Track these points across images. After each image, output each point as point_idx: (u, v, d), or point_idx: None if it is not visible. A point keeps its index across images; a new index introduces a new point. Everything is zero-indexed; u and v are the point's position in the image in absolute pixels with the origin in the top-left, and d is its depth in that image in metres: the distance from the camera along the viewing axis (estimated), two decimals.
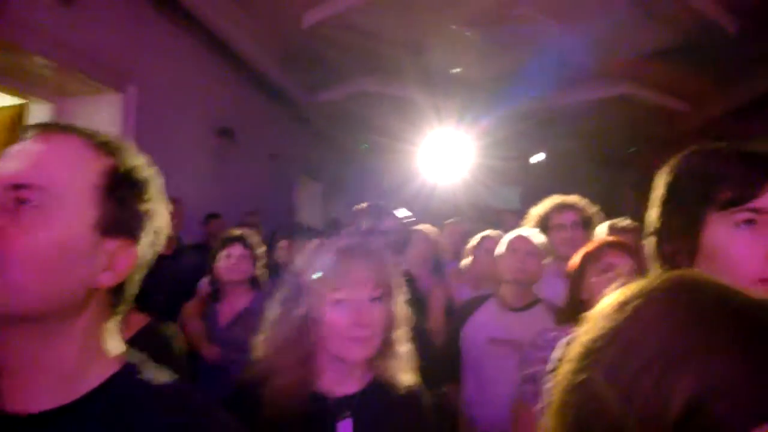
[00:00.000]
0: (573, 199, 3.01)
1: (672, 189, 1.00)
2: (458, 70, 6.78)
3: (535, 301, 2.50)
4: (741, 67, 6.20)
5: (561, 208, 2.94)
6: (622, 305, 0.59)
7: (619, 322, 0.57)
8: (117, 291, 0.84)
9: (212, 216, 5.70)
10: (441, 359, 2.60)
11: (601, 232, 3.19)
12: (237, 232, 2.97)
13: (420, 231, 4.06)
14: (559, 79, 6.84)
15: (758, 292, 0.80)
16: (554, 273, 2.80)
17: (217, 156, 6.28)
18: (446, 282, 3.55)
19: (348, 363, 1.27)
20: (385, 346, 1.32)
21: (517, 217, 9.15)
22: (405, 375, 1.35)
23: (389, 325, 1.32)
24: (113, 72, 4.52)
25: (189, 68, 5.77)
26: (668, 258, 0.99)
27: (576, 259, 1.89)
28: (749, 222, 0.89)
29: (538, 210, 3.03)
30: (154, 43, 5.15)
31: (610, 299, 0.62)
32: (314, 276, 1.28)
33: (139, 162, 0.86)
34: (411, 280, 3.36)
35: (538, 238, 2.54)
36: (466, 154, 8.07)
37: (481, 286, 3.29)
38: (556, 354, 1.20)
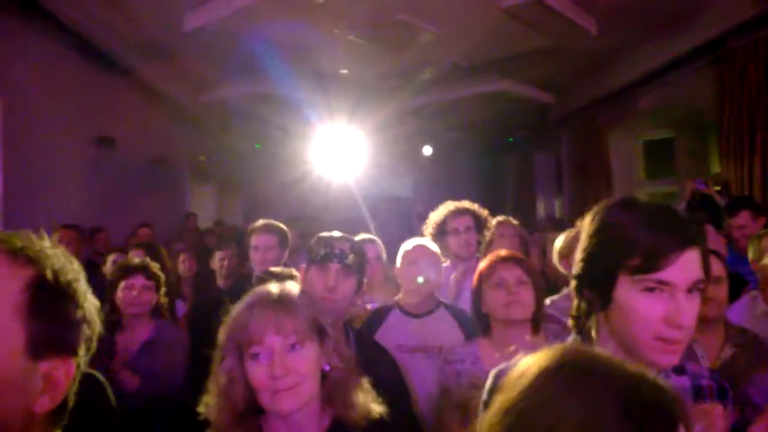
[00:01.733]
0: (466, 204, 3.25)
1: (593, 241, 1.10)
2: (346, 71, 6.89)
3: (437, 306, 2.59)
4: (600, 63, 6.83)
5: (455, 213, 3.17)
6: (520, 378, 0.69)
7: (515, 397, 0.66)
8: (57, 410, 0.74)
9: (96, 230, 5.41)
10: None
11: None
12: (137, 260, 2.81)
13: None
14: (441, 78, 7.16)
15: (648, 356, 0.99)
16: (452, 272, 3.08)
17: (97, 166, 5.95)
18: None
19: (282, 415, 1.25)
20: (334, 387, 1.31)
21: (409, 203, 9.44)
22: (368, 407, 1.33)
23: (336, 365, 1.31)
24: None
25: (62, 77, 5.41)
26: (586, 301, 1.12)
27: (474, 278, 2.06)
28: (652, 289, 1.01)
29: (435, 216, 3.25)
30: (22, 53, 4.77)
31: (514, 372, 0.72)
32: (229, 332, 1.28)
33: (63, 261, 0.75)
34: None
35: (433, 246, 2.65)
36: (359, 150, 8.22)
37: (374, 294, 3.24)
38: (486, 385, 1.25)
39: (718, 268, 2.07)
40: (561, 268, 2.80)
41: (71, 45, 5.41)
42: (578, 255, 1.13)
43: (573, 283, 1.14)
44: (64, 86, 5.43)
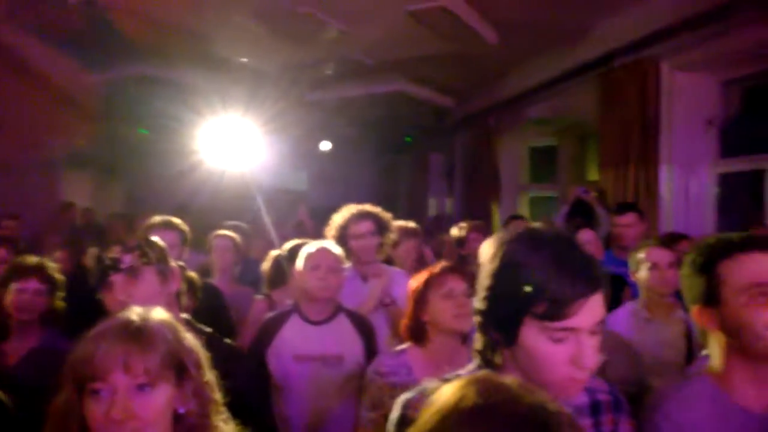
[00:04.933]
0: (368, 208, 3.25)
1: (495, 281, 1.08)
2: (245, 59, 6.63)
3: (337, 312, 2.57)
4: (496, 72, 7.11)
5: (358, 217, 3.15)
6: (436, 416, 0.72)
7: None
8: None
9: None
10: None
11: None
12: (33, 261, 2.56)
13: (220, 237, 3.82)
14: (342, 74, 7.11)
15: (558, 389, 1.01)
16: (354, 275, 3.08)
17: None
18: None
19: None
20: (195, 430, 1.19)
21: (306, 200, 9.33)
22: None
23: (193, 410, 1.18)
24: None
25: None
26: (490, 343, 1.12)
27: (419, 283, 2.06)
28: (559, 339, 1.01)
29: (337, 220, 3.22)
30: None
31: (428, 408, 0.74)
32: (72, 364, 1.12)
33: None
34: (215, 295, 3.23)
35: (335, 249, 2.61)
36: (255, 141, 7.98)
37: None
38: (393, 415, 1.19)
39: None
40: None
41: None
42: (481, 291, 1.11)
43: (476, 318, 1.14)
44: None
